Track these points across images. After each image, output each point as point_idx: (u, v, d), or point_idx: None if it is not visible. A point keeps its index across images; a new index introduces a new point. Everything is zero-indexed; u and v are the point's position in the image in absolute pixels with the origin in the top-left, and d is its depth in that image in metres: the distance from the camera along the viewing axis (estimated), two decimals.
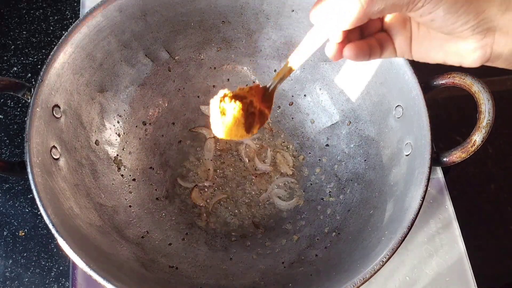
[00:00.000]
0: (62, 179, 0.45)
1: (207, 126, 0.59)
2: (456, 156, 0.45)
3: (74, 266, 0.50)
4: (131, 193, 0.53)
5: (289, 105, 0.60)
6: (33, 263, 0.52)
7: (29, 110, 0.43)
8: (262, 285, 0.47)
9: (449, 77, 0.46)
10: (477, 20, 0.29)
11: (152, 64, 0.56)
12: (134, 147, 0.55)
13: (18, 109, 0.60)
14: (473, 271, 0.52)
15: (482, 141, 0.44)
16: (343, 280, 0.40)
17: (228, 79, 0.60)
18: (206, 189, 0.56)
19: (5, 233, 0.53)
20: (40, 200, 0.40)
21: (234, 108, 0.33)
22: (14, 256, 0.52)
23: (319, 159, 0.57)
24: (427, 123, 0.44)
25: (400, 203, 0.44)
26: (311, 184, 0.56)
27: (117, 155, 0.54)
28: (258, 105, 0.35)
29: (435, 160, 0.46)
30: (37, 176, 0.41)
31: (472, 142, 0.44)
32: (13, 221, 0.54)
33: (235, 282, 0.48)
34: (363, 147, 0.54)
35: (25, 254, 0.52)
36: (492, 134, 0.44)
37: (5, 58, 0.63)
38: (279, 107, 0.60)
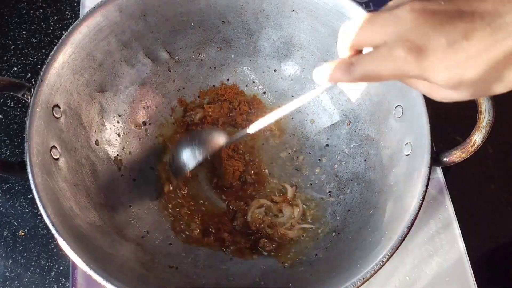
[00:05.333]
0: (62, 179, 0.45)
1: (207, 126, 0.59)
2: (456, 156, 0.45)
3: (74, 266, 0.50)
4: (131, 193, 0.53)
5: None
6: (33, 263, 0.52)
7: (29, 110, 0.43)
8: (262, 285, 0.47)
9: None
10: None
11: (152, 64, 0.56)
12: (134, 147, 0.55)
13: (18, 109, 0.60)
14: (473, 271, 0.52)
15: (482, 141, 0.44)
16: (343, 280, 0.40)
17: (228, 79, 0.60)
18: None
19: (5, 233, 0.53)
20: (40, 200, 0.40)
21: None
22: (14, 256, 0.52)
23: (319, 159, 0.57)
24: (427, 123, 0.44)
25: (400, 203, 0.44)
26: (311, 184, 0.56)
27: (117, 155, 0.54)
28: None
29: (435, 160, 0.46)
30: (37, 176, 0.41)
31: (472, 142, 0.44)
32: (13, 221, 0.54)
33: (235, 282, 0.48)
34: (363, 147, 0.54)
35: (25, 254, 0.52)
36: (492, 134, 0.44)
37: (5, 58, 0.63)
38: (279, 107, 0.60)
